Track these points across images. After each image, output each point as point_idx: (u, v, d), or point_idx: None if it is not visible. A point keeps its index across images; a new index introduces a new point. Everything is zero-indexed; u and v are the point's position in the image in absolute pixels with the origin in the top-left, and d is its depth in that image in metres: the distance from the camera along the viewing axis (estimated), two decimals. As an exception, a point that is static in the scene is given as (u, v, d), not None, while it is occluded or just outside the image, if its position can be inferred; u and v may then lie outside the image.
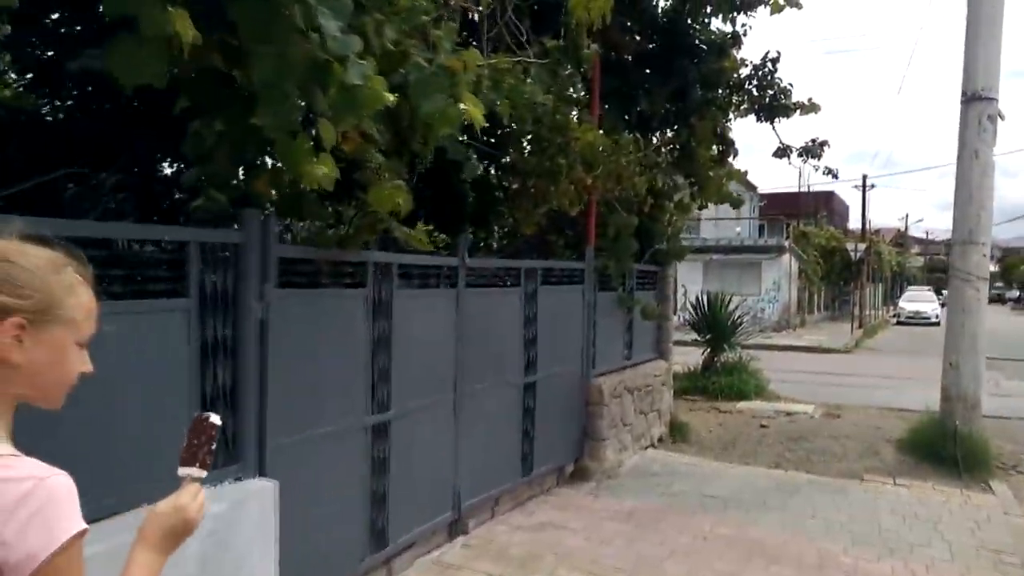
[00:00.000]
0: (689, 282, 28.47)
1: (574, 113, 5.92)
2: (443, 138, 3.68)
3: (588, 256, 6.70)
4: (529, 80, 4.66)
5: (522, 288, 5.80)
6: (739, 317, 12.35)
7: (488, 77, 3.96)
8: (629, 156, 6.20)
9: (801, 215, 39.89)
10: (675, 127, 7.51)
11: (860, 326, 30.25)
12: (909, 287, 53.73)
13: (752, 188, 41.12)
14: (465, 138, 4.61)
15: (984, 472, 7.39)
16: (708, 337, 12.25)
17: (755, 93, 7.52)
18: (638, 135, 7.17)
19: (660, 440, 8.38)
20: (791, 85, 7.45)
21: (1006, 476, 7.57)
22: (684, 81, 7.04)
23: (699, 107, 7.16)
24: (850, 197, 59.44)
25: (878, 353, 22.79)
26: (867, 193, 35.39)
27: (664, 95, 7.29)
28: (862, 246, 29.60)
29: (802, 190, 45.93)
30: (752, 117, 7.84)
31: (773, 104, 7.50)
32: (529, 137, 5.47)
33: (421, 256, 4.50)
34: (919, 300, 41.62)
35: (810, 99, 7.51)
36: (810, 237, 32.33)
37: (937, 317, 37.93)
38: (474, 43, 4.51)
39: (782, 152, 8.03)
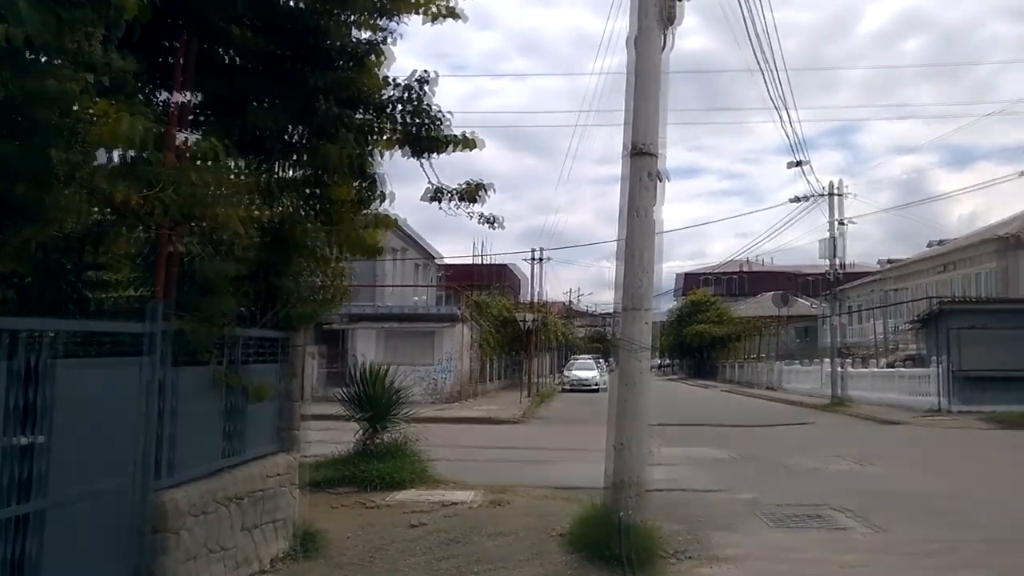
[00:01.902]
0: (365, 351, 26.87)
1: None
2: None
3: (154, 314, 4.63)
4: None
5: (12, 363, 3.58)
6: (400, 390, 10.85)
7: None
8: (218, 176, 4.35)
9: (479, 286, 40.66)
10: (300, 152, 5.81)
11: (531, 395, 30.84)
12: (574, 356, 57.61)
13: (432, 258, 41.22)
14: None
15: (652, 568, 6.53)
16: (366, 415, 10.55)
17: (404, 120, 6.14)
18: (249, 158, 5.38)
19: (281, 559, 6.38)
20: (449, 114, 6.20)
21: (673, 566, 6.77)
22: (309, 93, 5.41)
23: (327, 127, 5.55)
24: (526, 269, 62.60)
25: (548, 422, 22.92)
26: (541, 266, 36.99)
27: (288, 110, 5.59)
28: (532, 317, 30.43)
29: (480, 262, 47.23)
30: (403, 151, 6.41)
31: (425, 135, 6.18)
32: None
33: None
34: (583, 368, 44.44)
35: (471, 132, 6.35)
36: (485, 307, 32.69)
37: (598, 385, 40.65)
38: None
39: (436, 194, 6.75)
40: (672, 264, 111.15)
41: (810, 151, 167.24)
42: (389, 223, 6.78)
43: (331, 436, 11.35)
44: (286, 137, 5.81)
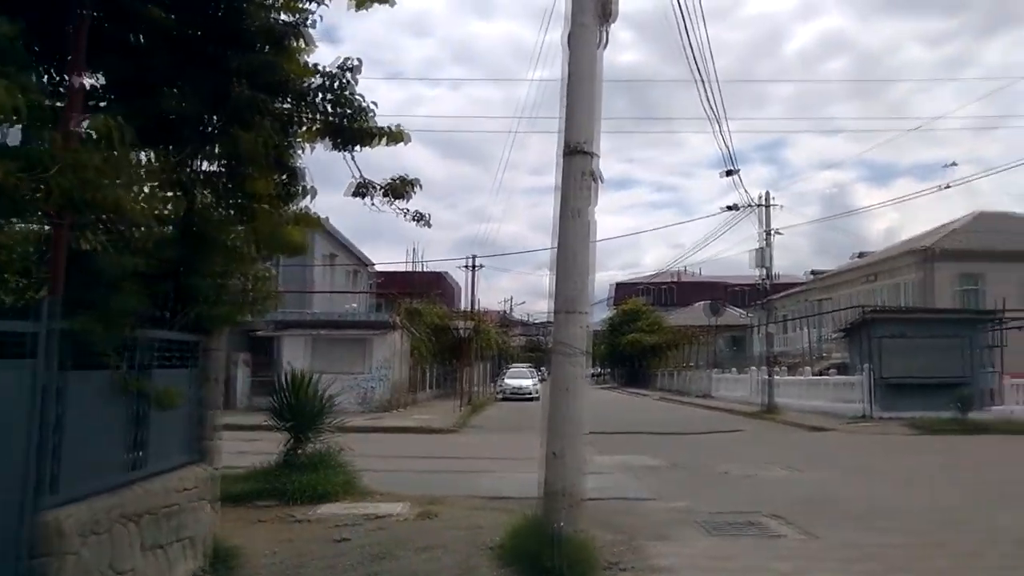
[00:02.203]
0: (294, 359, 26.10)
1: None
2: None
3: (42, 313, 4.18)
4: None
5: None
6: (327, 399, 10.40)
7: None
8: (116, 160, 3.94)
9: (415, 294, 40.13)
10: (215, 141, 5.41)
11: (467, 404, 30.47)
12: (511, 365, 57.47)
13: (365, 265, 40.53)
14: None
15: (588, 579, 6.30)
16: (290, 424, 10.07)
17: (327, 109, 5.79)
18: (160, 147, 4.96)
19: (193, 580, 5.92)
20: (374, 104, 5.87)
21: (610, 578, 6.56)
22: (224, 76, 5.02)
23: (244, 113, 5.16)
24: (462, 277, 62.23)
25: (483, 431, 22.62)
26: (475, 273, 36.70)
27: (202, 95, 5.18)
28: (469, 324, 30.10)
29: (414, 270, 46.76)
30: (326, 142, 6.05)
31: (349, 126, 5.83)
32: None
33: None
34: (519, 377, 44.33)
35: (397, 125, 6.02)
36: (421, 315, 32.21)
37: (534, 393, 40.57)
38: None
39: (362, 190, 6.40)
40: (606, 274, 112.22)
41: (741, 164, 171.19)
42: (312, 221, 6.40)
43: (257, 447, 10.83)
44: (200, 125, 5.39)
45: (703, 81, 14.38)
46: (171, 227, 5.94)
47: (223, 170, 5.65)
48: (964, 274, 34.65)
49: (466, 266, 36.60)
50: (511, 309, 75.62)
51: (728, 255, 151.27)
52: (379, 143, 5.99)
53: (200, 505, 6.16)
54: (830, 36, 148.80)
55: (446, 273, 55.36)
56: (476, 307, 38.28)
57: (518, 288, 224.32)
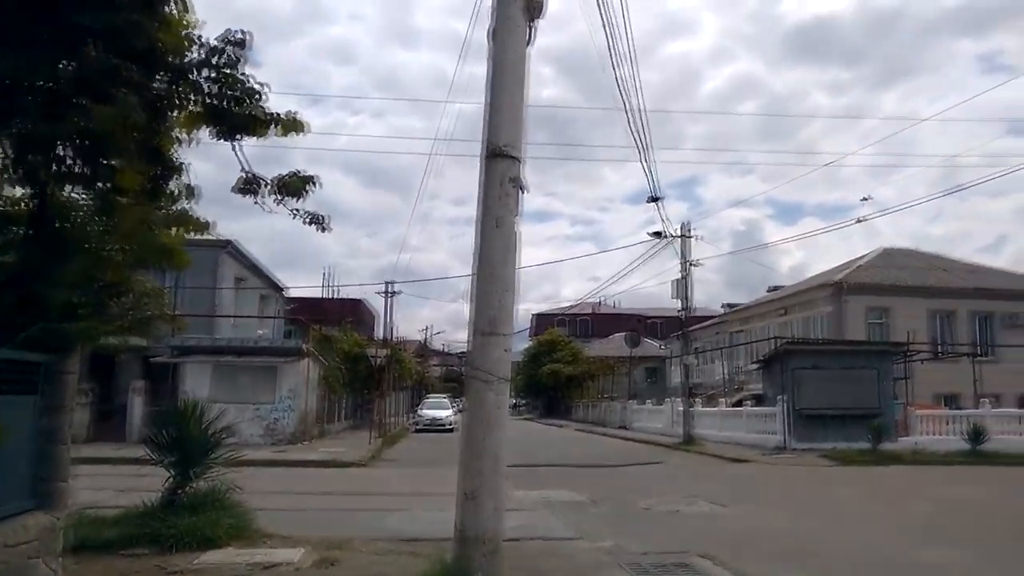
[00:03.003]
0: (196, 388, 24.48)
1: None
2: None
3: None
4: None
5: None
6: (222, 429, 9.32)
7: None
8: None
9: (329, 321, 38.64)
10: (66, 115, 4.47)
11: (381, 435, 29.19)
12: (428, 395, 56.14)
13: (279, 289, 38.87)
14: None
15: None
16: (173, 460, 8.94)
17: (210, 90, 4.94)
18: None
19: (26, 654, 4.84)
20: (265, 87, 5.03)
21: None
22: (75, 35, 4.13)
23: (100, 82, 4.27)
24: (382, 305, 60.73)
25: (397, 465, 21.47)
26: (392, 300, 35.52)
27: (46, 57, 4.27)
28: (384, 352, 28.94)
29: (330, 295, 45.28)
30: (209, 129, 5.18)
31: (234, 110, 4.98)
32: None
33: None
34: (436, 408, 43.15)
35: (291, 112, 5.20)
36: (333, 342, 30.84)
37: (451, 424, 39.48)
38: None
39: (250, 185, 5.54)
40: (526, 305, 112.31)
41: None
42: (192, 223, 5.50)
43: (147, 483, 9.63)
44: (41, 96, 4.44)
45: (627, 110, 14.01)
46: (20, 224, 4.98)
47: (80, 156, 4.70)
48: (873, 307, 35.67)
49: (383, 292, 35.34)
50: (430, 338, 74.24)
51: (645, 288, 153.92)
52: (270, 132, 5.15)
53: (43, 561, 5.10)
54: (742, 80, 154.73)
55: (364, 300, 53.91)
56: (393, 334, 37.04)
57: (437, 318, 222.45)
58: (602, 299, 79.59)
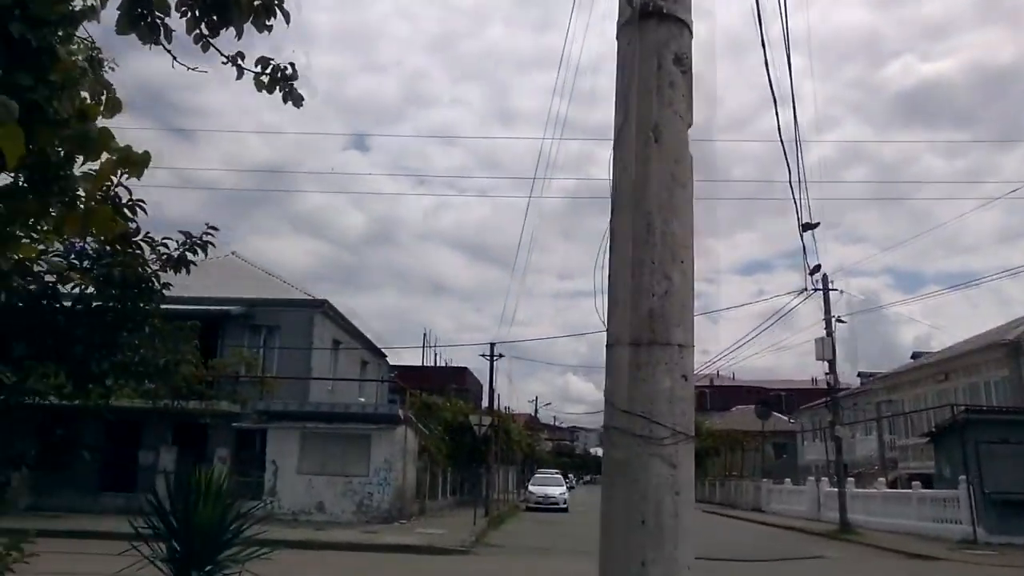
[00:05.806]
0: (282, 456, 22.37)
1: None
2: None
3: None
4: None
5: None
6: (239, 517, 6.65)
7: None
8: None
9: (432, 389, 36.32)
10: None
11: (487, 514, 26.13)
12: (539, 470, 52.59)
13: (381, 355, 36.99)
14: None
15: None
16: (175, 557, 6.30)
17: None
18: None
19: None
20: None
21: None
22: None
23: None
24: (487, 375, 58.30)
25: (504, 552, 18.28)
26: (495, 363, 32.63)
27: None
28: (487, 420, 26.05)
29: (433, 360, 43.15)
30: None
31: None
32: None
33: None
34: (548, 484, 39.69)
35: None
36: (434, 409, 28.27)
37: (565, 503, 35.92)
38: None
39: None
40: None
41: (766, 271, 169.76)
42: (137, 160, 2.91)
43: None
44: None
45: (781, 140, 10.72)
46: None
47: None
48: (1059, 370, 30.16)
49: (490, 355, 32.41)
50: (539, 408, 70.99)
51: (759, 360, 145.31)
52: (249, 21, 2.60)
53: None
54: (847, 146, 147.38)
55: (469, 369, 51.46)
56: (497, 401, 34.03)
57: (545, 392, 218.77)
58: (718, 370, 74.39)
